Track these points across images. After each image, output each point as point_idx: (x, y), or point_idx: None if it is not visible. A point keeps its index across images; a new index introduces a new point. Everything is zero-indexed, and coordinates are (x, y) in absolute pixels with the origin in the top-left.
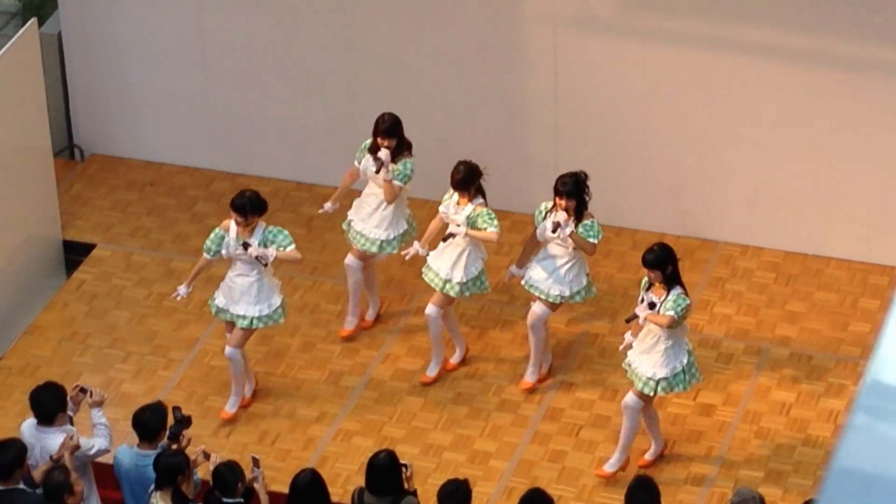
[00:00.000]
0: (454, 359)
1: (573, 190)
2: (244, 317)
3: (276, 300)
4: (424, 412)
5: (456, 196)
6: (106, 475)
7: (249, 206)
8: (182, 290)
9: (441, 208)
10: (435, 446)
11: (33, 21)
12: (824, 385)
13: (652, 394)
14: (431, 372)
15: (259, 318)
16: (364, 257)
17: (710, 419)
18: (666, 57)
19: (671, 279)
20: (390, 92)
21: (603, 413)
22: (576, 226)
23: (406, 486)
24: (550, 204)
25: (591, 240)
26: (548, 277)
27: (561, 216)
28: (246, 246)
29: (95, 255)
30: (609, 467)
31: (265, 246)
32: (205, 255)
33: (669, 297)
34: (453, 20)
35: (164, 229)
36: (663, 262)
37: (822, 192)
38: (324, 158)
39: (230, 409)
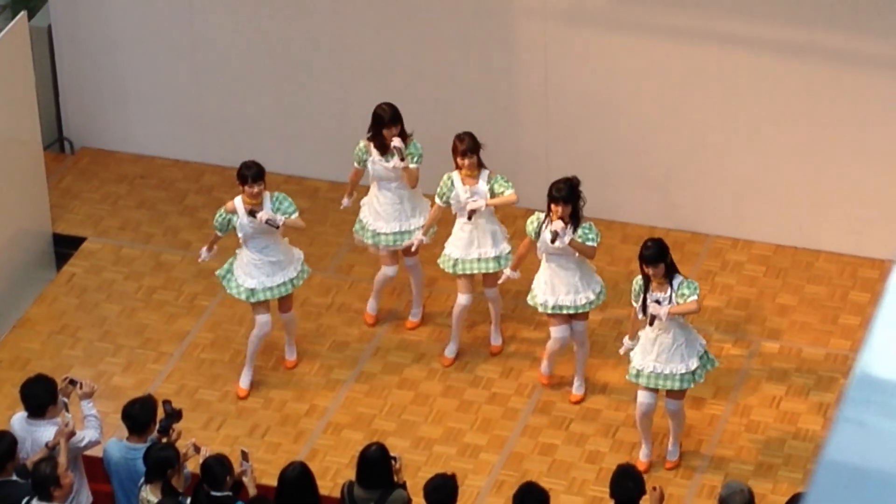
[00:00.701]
0: (448, 353)
1: (569, 195)
2: (284, 284)
3: (298, 254)
4: (414, 405)
5: (458, 179)
6: (96, 468)
7: (262, 172)
8: (204, 253)
9: (443, 200)
10: (425, 440)
11: (23, 14)
12: (814, 378)
13: (692, 385)
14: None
15: (297, 277)
16: (395, 258)
17: (700, 412)
18: (657, 51)
19: (670, 270)
20: (380, 85)
21: (593, 406)
22: (574, 230)
23: (395, 478)
24: (542, 214)
25: (590, 243)
26: (568, 292)
27: (558, 225)
28: (253, 213)
29: (85, 248)
30: (671, 456)
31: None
32: (217, 232)
33: (678, 286)
34: (444, 13)
35: (154, 222)
36: (663, 256)
37: (812, 186)
38: (314, 152)
39: (245, 385)
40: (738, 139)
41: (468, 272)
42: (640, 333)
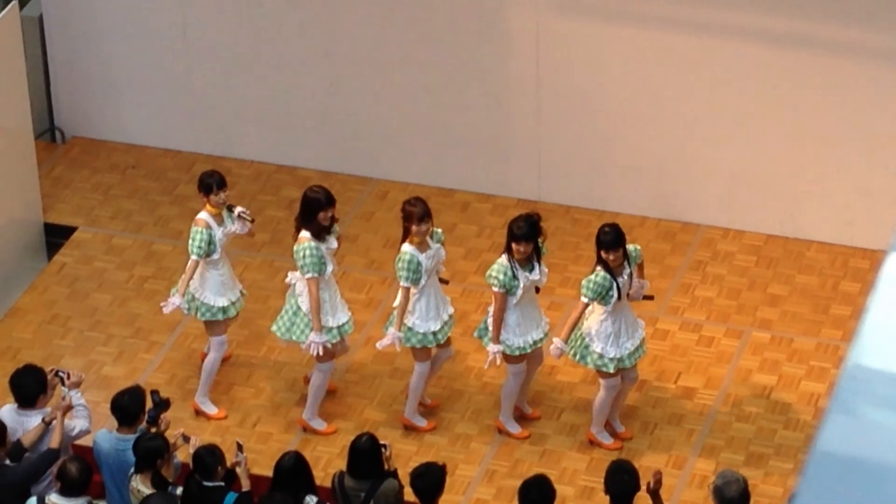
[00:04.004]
0: (420, 423)
1: (530, 232)
2: (239, 300)
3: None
4: (405, 395)
5: (413, 250)
6: (86, 459)
7: (224, 179)
8: (178, 300)
9: (413, 279)
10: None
11: (14, 3)
12: (805, 368)
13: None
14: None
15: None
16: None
17: (692, 402)
18: (647, 40)
19: (625, 254)
20: (372, 75)
21: (584, 396)
22: (539, 265)
23: (386, 466)
24: (505, 260)
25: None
26: (536, 326)
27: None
28: (231, 208)
29: (76, 237)
30: (621, 428)
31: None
32: (196, 257)
33: (632, 256)
34: (435, 4)
35: (145, 212)
36: (621, 240)
37: (803, 176)
38: (305, 141)
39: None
40: (729, 129)
41: (439, 342)
42: (592, 331)
